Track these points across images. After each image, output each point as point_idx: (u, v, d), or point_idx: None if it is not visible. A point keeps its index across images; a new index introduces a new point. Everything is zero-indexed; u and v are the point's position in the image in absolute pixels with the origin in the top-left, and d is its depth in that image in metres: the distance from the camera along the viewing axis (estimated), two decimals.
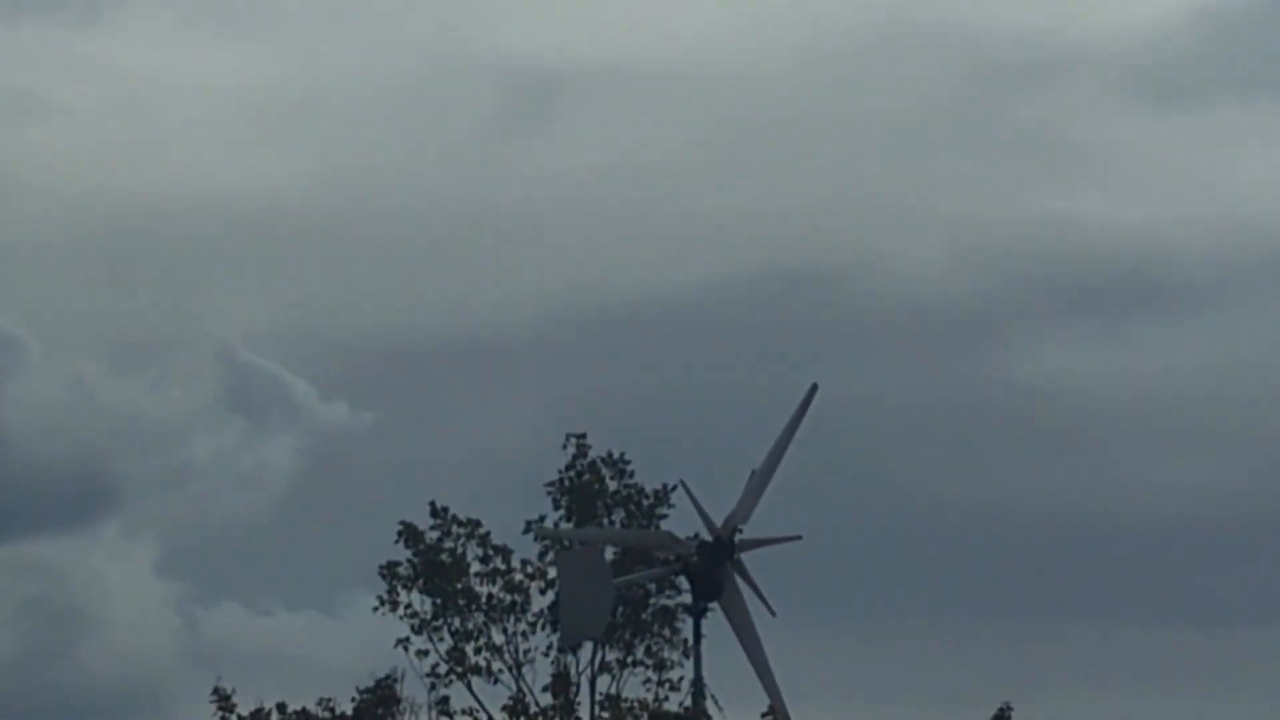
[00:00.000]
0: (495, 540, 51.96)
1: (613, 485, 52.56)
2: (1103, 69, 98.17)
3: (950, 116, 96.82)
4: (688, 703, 46.73)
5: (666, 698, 50.36)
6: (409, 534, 51.27)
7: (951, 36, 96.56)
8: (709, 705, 45.53)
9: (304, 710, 47.30)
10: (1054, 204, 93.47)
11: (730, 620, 44.77)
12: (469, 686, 50.91)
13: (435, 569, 51.48)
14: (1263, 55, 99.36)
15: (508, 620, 51.82)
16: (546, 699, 47.87)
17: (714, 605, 44.79)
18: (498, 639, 51.47)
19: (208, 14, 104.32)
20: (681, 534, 46.08)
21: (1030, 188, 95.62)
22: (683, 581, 46.96)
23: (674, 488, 50.06)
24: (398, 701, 48.80)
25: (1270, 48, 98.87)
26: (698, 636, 45.37)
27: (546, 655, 50.90)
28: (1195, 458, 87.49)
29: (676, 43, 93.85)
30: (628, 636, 51.24)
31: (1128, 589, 76.46)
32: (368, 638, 54.50)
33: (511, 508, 53.23)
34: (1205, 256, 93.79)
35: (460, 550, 51.77)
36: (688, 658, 47.90)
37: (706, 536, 44.44)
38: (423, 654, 50.97)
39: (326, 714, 47.70)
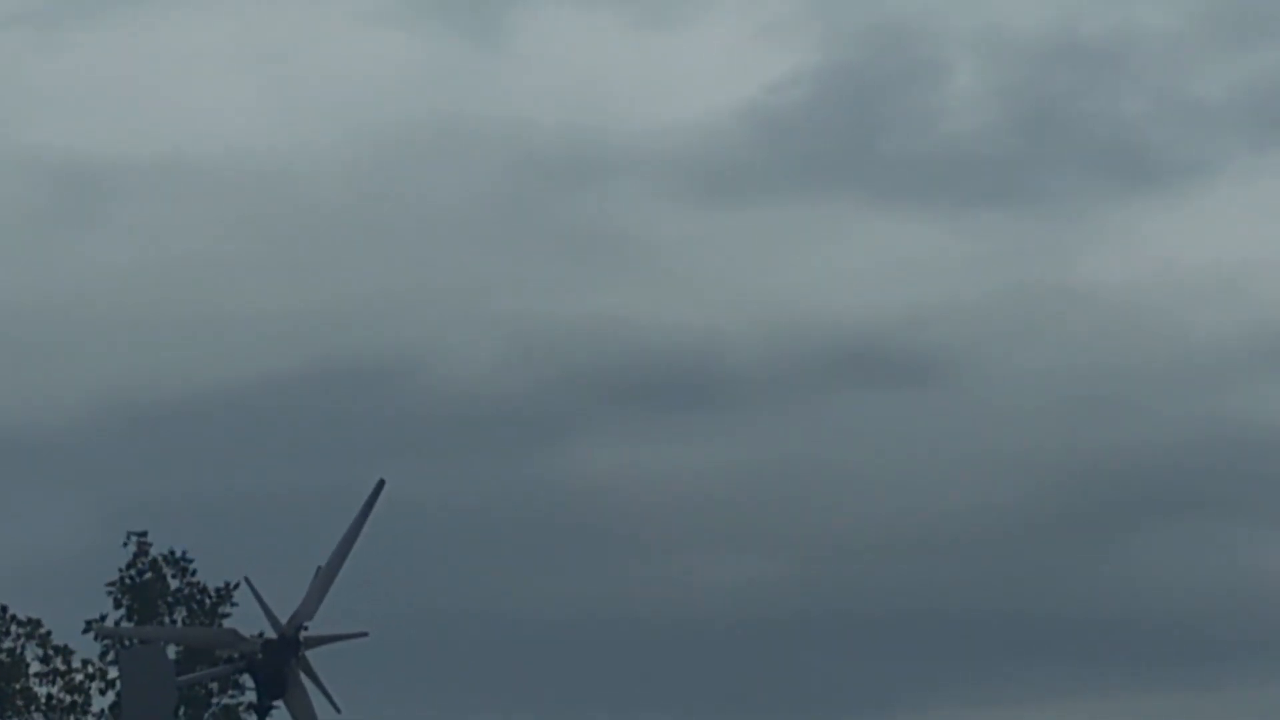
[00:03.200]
0: (55, 640, 53.37)
1: (174, 583, 53.44)
2: (651, 167, 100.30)
3: (499, 213, 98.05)
4: None
5: None
6: None
7: (498, 133, 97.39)
8: None
9: None
10: (604, 300, 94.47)
11: (295, 718, 43.48)
12: None
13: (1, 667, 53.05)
14: (810, 154, 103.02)
15: (71, 719, 52.91)
16: None
17: (279, 704, 43.40)
18: None
19: None
20: (246, 631, 44.92)
21: (580, 284, 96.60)
22: (247, 680, 46.11)
23: (237, 585, 50.56)
24: None
25: (818, 146, 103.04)
26: None
27: None
28: (746, 554, 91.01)
29: (223, 137, 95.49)
30: None
31: (694, 685, 79.40)
32: None
33: (72, 606, 53.40)
34: (754, 354, 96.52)
35: (20, 650, 52.48)
36: None
37: (271, 634, 43.32)
38: None
39: None
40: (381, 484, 45.18)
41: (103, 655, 53.34)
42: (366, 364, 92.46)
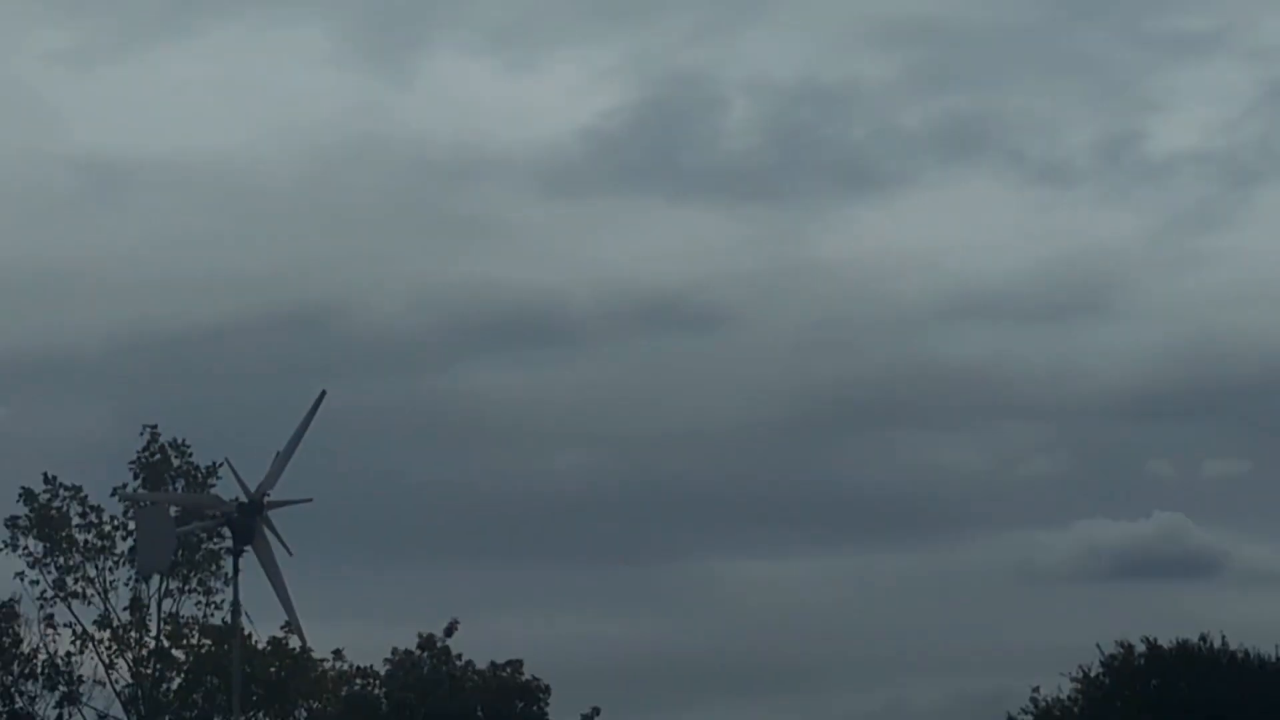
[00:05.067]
0: (90, 501, 61.98)
1: (176, 462, 62.70)
2: (515, 171, 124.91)
3: (406, 203, 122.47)
4: (228, 618, 54.83)
5: (213, 614, 61.21)
6: (27, 496, 61.60)
7: (405, 147, 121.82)
8: (244, 620, 51.46)
9: None
10: (480, 267, 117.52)
11: (259, 559, 50.05)
12: (69, 607, 61.39)
13: (46, 521, 61.65)
14: (629, 164, 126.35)
15: (99, 559, 62.02)
16: (126, 615, 60.79)
17: (248, 548, 50.05)
18: (91, 573, 61.76)
19: None
20: (225, 497, 51.99)
21: (463, 255, 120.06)
22: (226, 531, 52.33)
23: (220, 464, 58.52)
24: (17, 617, 60.68)
25: (635, 158, 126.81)
26: (236, 570, 50.51)
27: (127, 584, 61.42)
28: (581, 448, 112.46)
29: (209, 144, 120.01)
30: (185, 571, 61.41)
31: (545, 542, 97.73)
32: None
33: (103, 478, 61.88)
34: (588, 307, 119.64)
35: (65, 508, 62.00)
36: (228, 585, 55.99)
37: (244, 498, 49.87)
38: (34, 583, 61.22)
39: None
40: (323, 394, 50.86)
41: (124, 512, 61.97)
42: (310, 309, 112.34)
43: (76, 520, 62.38)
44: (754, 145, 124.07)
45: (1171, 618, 73.81)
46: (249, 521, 49.84)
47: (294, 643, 60.87)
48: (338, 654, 64.88)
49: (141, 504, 59.88)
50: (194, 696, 62.30)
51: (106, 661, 61.88)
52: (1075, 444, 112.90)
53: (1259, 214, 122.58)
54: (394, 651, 64.78)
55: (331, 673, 64.42)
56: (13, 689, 61.51)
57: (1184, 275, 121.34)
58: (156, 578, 60.92)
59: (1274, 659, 59.61)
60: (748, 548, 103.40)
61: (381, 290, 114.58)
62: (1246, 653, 59.58)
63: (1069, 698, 61.17)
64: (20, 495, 61.79)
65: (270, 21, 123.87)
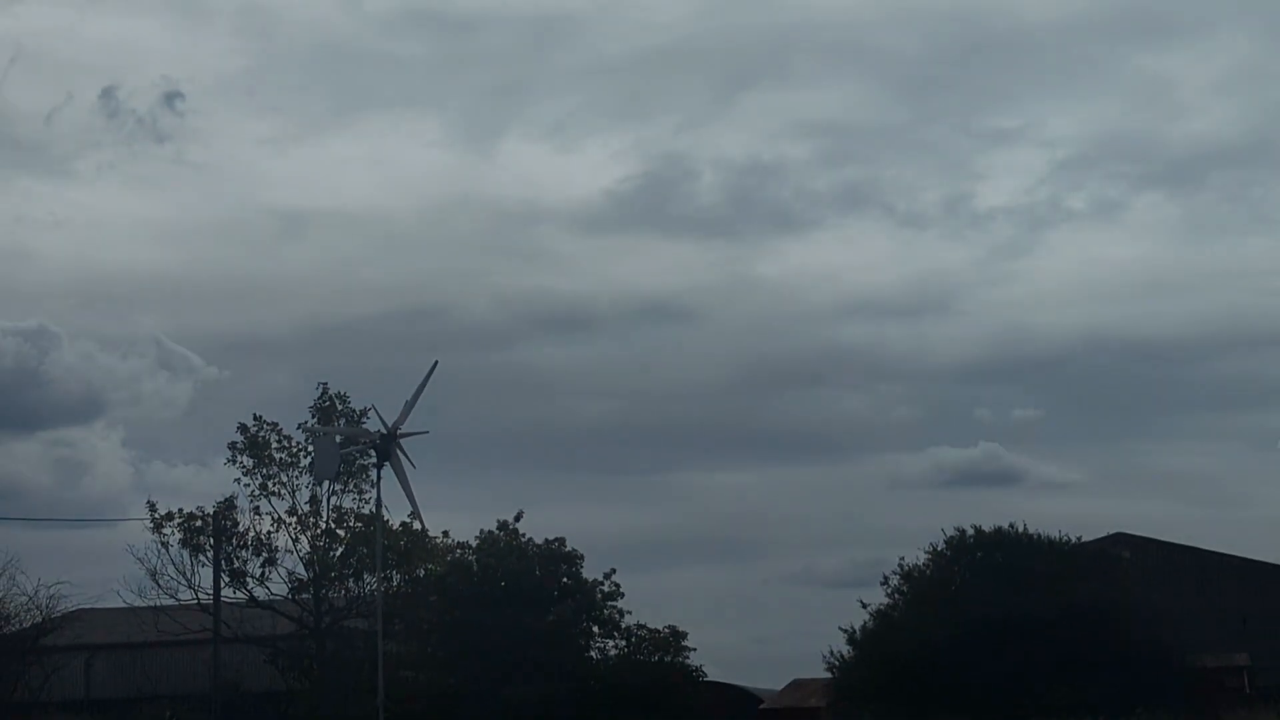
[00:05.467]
0: (284, 432, 72.82)
1: (340, 407, 72.44)
2: (561, 217, 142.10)
3: (487, 240, 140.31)
4: (374, 509, 62.85)
5: (363, 507, 70.66)
6: (242, 429, 72.28)
7: (487, 199, 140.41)
8: (384, 511, 61.13)
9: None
10: (540, 281, 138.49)
11: (394, 470, 58.16)
12: (270, 501, 72.15)
13: (255, 444, 72.18)
14: (636, 213, 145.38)
15: (289, 470, 72.52)
16: (307, 507, 71.87)
17: (387, 464, 58.35)
18: (284, 479, 72.40)
19: None
20: (372, 430, 60.78)
21: (529, 274, 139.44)
22: (372, 452, 61.26)
23: (369, 409, 66.45)
24: (235, 508, 71.57)
25: (640, 210, 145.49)
26: (379, 478, 59.37)
27: (307, 487, 71.91)
28: (602, 400, 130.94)
29: None
30: (345, 478, 70.87)
31: (577, 459, 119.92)
32: (223, 477, 72.64)
33: (293, 418, 73.27)
34: (607, 307, 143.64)
35: (267, 437, 72.53)
36: (373, 488, 62.35)
37: (384, 431, 58.15)
38: (247, 486, 72.08)
39: (199, 512, 70.44)
40: (435, 363, 58.12)
41: (306, 440, 71.80)
42: (428, 308, 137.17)
43: (275, 444, 72.55)
44: (717, 201, 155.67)
45: (990, 512, 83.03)
46: (387, 446, 58.99)
47: (416, 526, 69.14)
48: (445, 534, 74.10)
49: (317, 434, 68.70)
50: (351, 560, 71.35)
51: (293, 537, 71.87)
52: (927, 398, 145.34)
53: (1048, 249, 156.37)
54: (481, 531, 73.59)
55: (440, 545, 73.24)
56: (232, 555, 70.48)
57: (998, 288, 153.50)
58: (327, 483, 69.66)
59: (1056, 538, 69.69)
60: (713, 465, 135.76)
61: (474, 295, 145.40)
62: (1039, 534, 69.68)
63: (924, 564, 70.71)
64: (238, 428, 72.56)
65: (400, 117, 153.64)
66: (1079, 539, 70.40)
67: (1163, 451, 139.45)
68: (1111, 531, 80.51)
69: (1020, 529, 69.74)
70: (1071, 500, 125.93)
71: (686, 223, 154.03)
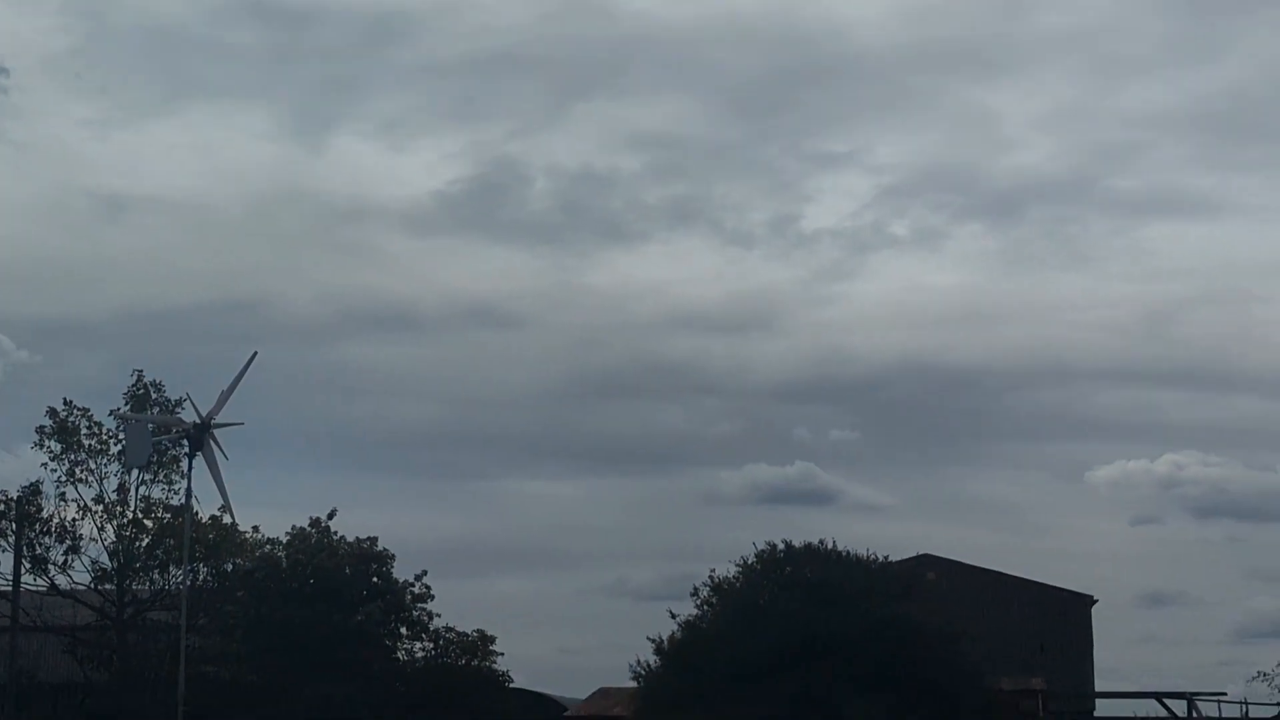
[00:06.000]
0: (95, 418, 71.38)
1: (154, 395, 70.95)
2: (389, 216, 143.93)
3: (312, 234, 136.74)
4: (183, 500, 61.96)
5: (172, 498, 70.19)
6: (51, 413, 70.96)
7: (314, 194, 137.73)
8: (193, 502, 60.31)
9: None
10: (365, 279, 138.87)
11: (206, 461, 58.06)
12: (76, 488, 70.61)
13: (64, 429, 70.77)
14: (465, 216, 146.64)
15: (98, 458, 71.37)
16: (114, 495, 70.42)
17: (199, 454, 58.04)
18: (92, 466, 71.15)
19: None
20: (187, 419, 59.80)
21: (353, 271, 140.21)
22: (185, 442, 60.91)
23: (184, 398, 64.26)
24: (40, 493, 70.28)
25: (470, 213, 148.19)
26: (190, 469, 59.14)
27: (116, 475, 70.70)
28: (422, 403, 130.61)
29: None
30: (155, 468, 69.93)
31: (395, 460, 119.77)
32: (30, 462, 72.04)
33: (105, 404, 72.07)
34: (433, 309, 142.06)
35: (77, 422, 71.18)
36: (184, 479, 62.48)
37: (198, 420, 57.72)
38: (54, 471, 70.56)
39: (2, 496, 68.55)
40: (254, 354, 57.71)
41: (117, 427, 69.98)
42: (248, 298, 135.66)
43: (85, 430, 71.26)
44: (548, 208, 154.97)
45: (804, 531, 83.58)
46: (201, 436, 58.46)
47: (226, 519, 68.26)
48: (256, 529, 73.91)
49: (129, 421, 66.87)
50: (157, 552, 70.25)
51: (99, 525, 70.65)
52: (746, 415, 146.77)
53: (870, 272, 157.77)
54: (293, 528, 73.71)
55: (250, 540, 73.07)
56: (35, 541, 69.15)
57: (821, 309, 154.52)
58: (136, 471, 69.41)
59: (865, 556, 71.05)
60: (531, 473, 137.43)
61: (297, 290, 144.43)
62: (848, 551, 71.27)
63: (734, 577, 71.62)
64: (47, 412, 71.45)
65: (229, 107, 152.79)
66: (887, 558, 71.66)
67: (972, 478, 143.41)
68: (919, 553, 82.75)
69: (830, 546, 71.10)
70: (883, 522, 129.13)
71: (516, 228, 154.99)
